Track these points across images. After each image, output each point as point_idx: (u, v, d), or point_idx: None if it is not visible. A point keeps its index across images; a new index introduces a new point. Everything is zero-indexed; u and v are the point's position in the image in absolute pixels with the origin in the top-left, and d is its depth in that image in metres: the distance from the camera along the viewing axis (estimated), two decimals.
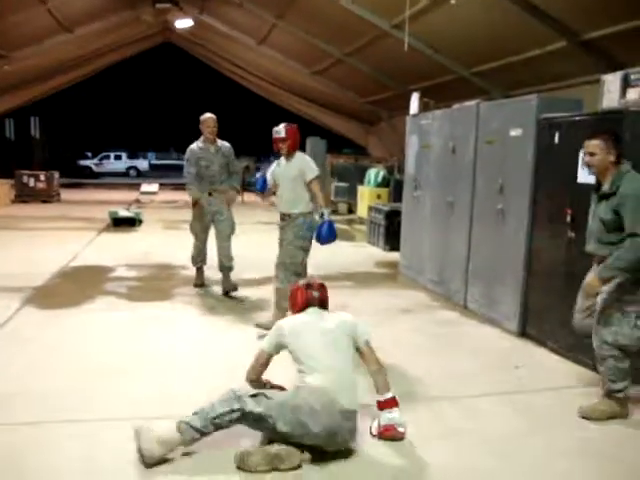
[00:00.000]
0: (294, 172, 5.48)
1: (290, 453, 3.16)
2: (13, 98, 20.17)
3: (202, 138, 6.95)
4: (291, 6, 12.70)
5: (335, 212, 15.98)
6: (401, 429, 3.52)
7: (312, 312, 3.71)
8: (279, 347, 3.61)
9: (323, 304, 3.80)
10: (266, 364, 3.67)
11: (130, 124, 43.26)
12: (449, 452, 3.40)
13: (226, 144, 7.08)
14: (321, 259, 9.18)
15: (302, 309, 3.75)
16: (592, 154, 3.87)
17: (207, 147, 6.91)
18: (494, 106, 6.36)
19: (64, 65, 19.22)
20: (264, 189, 5.74)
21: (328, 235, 5.34)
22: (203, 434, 3.20)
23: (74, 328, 5.52)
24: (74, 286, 7.22)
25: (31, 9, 13.34)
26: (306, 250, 5.53)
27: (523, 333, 5.59)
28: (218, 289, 7.09)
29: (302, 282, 3.91)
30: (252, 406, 3.19)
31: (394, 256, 9.26)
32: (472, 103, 6.66)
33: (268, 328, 5.37)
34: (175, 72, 37.45)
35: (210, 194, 6.92)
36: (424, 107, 7.81)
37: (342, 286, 7.57)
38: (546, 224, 5.33)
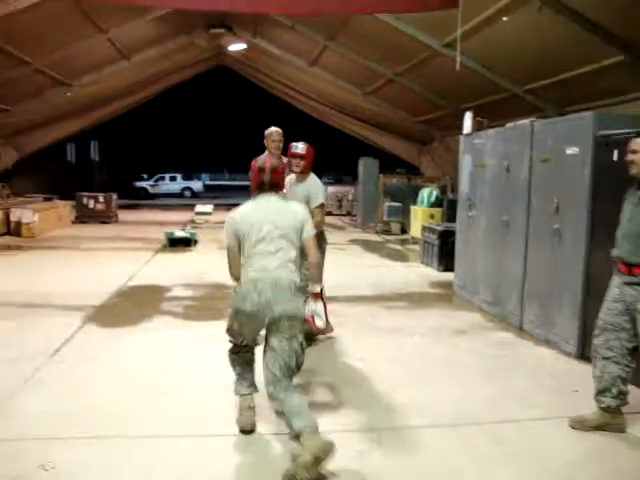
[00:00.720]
0: (304, 193, 5.44)
1: (321, 447, 3.20)
2: (74, 123, 20.96)
3: (266, 153, 6.39)
4: (342, 28, 12.83)
5: (387, 232, 15.95)
6: (319, 322, 3.83)
7: (264, 200, 3.84)
8: (236, 236, 3.84)
9: (274, 187, 3.86)
10: (238, 257, 3.90)
11: (185, 146, 44.29)
12: (512, 477, 3.35)
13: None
14: (375, 279, 9.26)
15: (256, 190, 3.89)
16: (635, 152, 3.78)
17: None
18: (549, 124, 6.28)
19: (122, 91, 19.89)
20: None
21: None
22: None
23: (133, 346, 5.67)
24: (132, 305, 7.42)
25: (92, 39, 13.92)
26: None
27: (581, 355, 5.44)
28: None
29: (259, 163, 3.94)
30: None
31: (448, 276, 9.18)
32: (526, 121, 6.59)
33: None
34: (228, 94, 38.19)
35: None
36: (478, 126, 7.77)
37: (396, 306, 7.55)
38: (605, 244, 5.17)
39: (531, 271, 6.29)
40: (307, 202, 5.29)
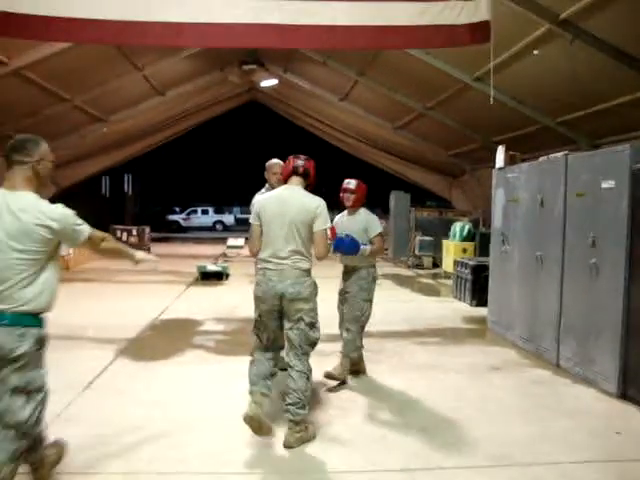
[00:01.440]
0: (359, 226, 5.70)
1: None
2: (109, 157, 21.38)
3: (267, 186, 6.17)
4: (373, 63, 12.95)
5: (419, 266, 15.84)
6: None
7: (286, 190, 4.45)
8: (259, 217, 4.38)
9: (304, 174, 4.51)
10: (260, 235, 4.37)
11: (217, 179, 44.84)
12: None
13: None
14: (408, 314, 9.16)
15: (287, 177, 4.53)
16: None
17: None
18: (583, 157, 6.21)
19: (156, 125, 20.29)
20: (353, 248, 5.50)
21: (347, 247, 5.46)
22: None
23: (165, 381, 5.67)
24: (165, 339, 7.44)
25: (128, 76, 14.28)
26: (371, 301, 5.72)
27: (623, 395, 5.26)
28: None
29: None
30: None
31: (481, 311, 9.04)
32: (560, 155, 6.53)
33: (337, 378, 5.50)
34: (260, 129, 38.70)
35: None
36: (510, 160, 7.72)
37: (430, 342, 7.44)
38: None
39: (567, 307, 6.16)
40: (364, 233, 5.67)
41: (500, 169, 7.92)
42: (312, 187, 4.98)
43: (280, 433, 4.26)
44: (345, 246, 5.44)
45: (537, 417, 4.86)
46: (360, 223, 5.73)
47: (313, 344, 4.36)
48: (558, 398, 5.38)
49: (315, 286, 4.36)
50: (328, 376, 5.56)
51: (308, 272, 4.33)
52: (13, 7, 5.98)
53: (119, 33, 6.28)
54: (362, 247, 5.50)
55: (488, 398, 5.32)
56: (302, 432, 4.21)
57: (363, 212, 5.83)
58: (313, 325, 4.31)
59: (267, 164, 6.28)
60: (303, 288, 4.23)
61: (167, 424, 4.53)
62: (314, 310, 4.35)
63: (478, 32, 6.33)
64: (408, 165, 20.36)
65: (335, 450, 4.13)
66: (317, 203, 4.36)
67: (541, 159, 6.97)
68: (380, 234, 5.77)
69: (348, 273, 5.78)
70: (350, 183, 5.83)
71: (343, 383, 5.58)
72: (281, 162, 6.04)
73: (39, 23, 6.06)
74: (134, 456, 3.96)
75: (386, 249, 19.58)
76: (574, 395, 5.47)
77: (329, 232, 4.69)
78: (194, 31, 6.29)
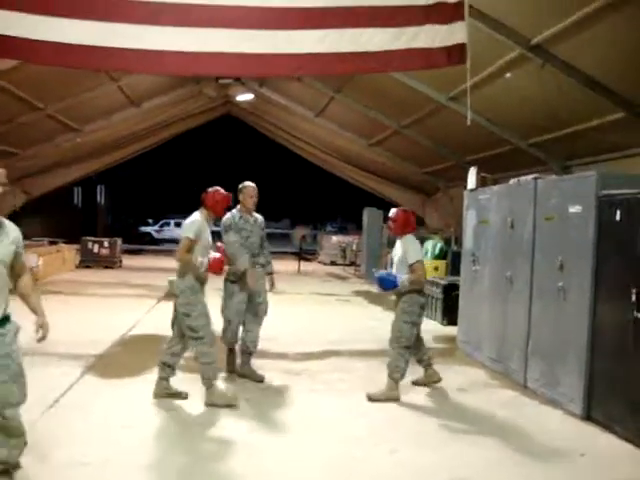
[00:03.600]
0: (400, 253, 6.02)
1: None
2: (82, 168, 21.16)
3: (239, 207, 6.52)
4: (349, 80, 13.04)
5: None
6: None
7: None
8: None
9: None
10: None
11: (190, 192, 44.59)
12: None
13: (260, 217, 6.72)
14: (379, 333, 9.12)
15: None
16: None
17: (246, 217, 6.50)
18: (552, 182, 6.33)
19: (130, 137, 20.17)
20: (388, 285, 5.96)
21: (382, 283, 5.97)
22: None
23: (132, 400, 5.58)
24: (133, 355, 7.35)
25: (104, 86, 14.20)
26: (414, 324, 5.87)
27: (588, 417, 5.34)
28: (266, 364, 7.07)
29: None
30: None
31: (452, 330, 9.10)
32: (529, 178, 6.64)
33: (379, 400, 5.70)
34: (234, 142, 38.71)
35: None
36: (482, 182, 7.83)
37: None
38: (610, 303, 5.18)
39: (535, 328, 6.24)
40: (404, 259, 5.93)
41: (472, 190, 8.03)
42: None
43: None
44: (381, 283, 5.98)
45: (502, 439, 4.89)
46: (401, 250, 6.02)
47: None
48: (524, 419, 5.42)
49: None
50: (371, 398, 5.78)
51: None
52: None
53: (101, 59, 6.33)
54: (399, 279, 5.81)
55: (456, 418, 5.35)
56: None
57: (406, 239, 6.02)
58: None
59: (241, 186, 6.49)
60: None
61: (133, 447, 4.47)
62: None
63: (454, 54, 6.42)
64: (382, 182, 20.49)
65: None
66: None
67: (512, 182, 7.07)
68: (419, 261, 5.93)
69: (397, 298, 6.05)
70: (391, 212, 6.21)
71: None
72: (255, 186, 6.52)
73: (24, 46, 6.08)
74: (104, 477, 3.90)
75: (358, 265, 19.65)
76: (540, 417, 5.53)
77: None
78: (175, 59, 6.32)
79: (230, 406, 5.41)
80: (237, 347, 6.64)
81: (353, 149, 18.48)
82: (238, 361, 6.60)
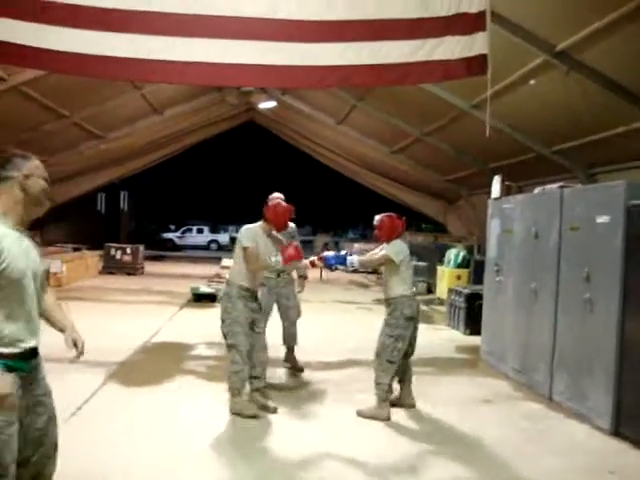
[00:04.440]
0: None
1: None
2: (106, 174, 21.43)
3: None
4: (371, 88, 13.00)
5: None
6: None
7: None
8: None
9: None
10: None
11: (212, 198, 44.88)
12: None
13: (292, 224, 6.93)
14: None
15: None
16: None
17: None
18: (578, 192, 6.21)
19: (153, 144, 20.34)
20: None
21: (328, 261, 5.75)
22: None
23: (154, 408, 5.58)
24: (155, 363, 7.36)
25: (127, 94, 14.36)
26: (399, 337, 5.52)
27: (617, 432, 5.21)
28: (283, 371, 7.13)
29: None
30: None
31: (475, 340, 9.00)
32: (555, 187, 6.55)
33: (367, 417, 5.47)
34: (256, 149, 38.86)
35: (278, 275, 6.95)
36: (506, 191, 7.73)
37: (422, 372, 7.33)
38: (639, 315, 5.06)
39: (561, 340, 6.13)
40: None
41: (496, 199, 7.93)
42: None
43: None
44: (326, 261, 5.76)
45: (527, 453, 4.80)
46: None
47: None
48: (549, 433, 5.33)
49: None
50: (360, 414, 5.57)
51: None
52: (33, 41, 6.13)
53: (125, 70, 6.42)
54: (349, 258, 5.67)
55: (480, 432, 5.25)
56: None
57: (394, 242, 5.72)
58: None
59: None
60: None
61: (157, 452, 4.48)
62: None
63: (474, 66, 6.38)
64: (404, 189, 20.42)
65: None
66: None
67: (536, 190, 6.98)
68: (384, 256, 5.61)
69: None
70: (375, 218, 5.87)
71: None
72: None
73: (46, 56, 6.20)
74: None
75: (380, 273, 19.54)
76: (567, 431, 5.41)
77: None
78: (198, 70, 6.39)
79: (255, 417, 5.36)
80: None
81: (375, 156, 18.43)
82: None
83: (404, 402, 5.85)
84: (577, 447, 5.00)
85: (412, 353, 5.87)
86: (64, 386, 5.98)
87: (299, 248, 5.65)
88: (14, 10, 6.04)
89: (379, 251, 5.77)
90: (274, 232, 5.68)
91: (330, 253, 5.92)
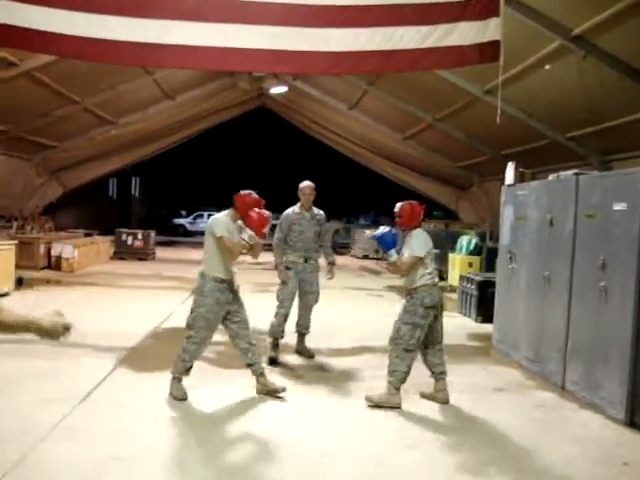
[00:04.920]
0: (404, 246, 5.68)
1: None
2: (117, 160, 21.45)
3: (299, 204, 7.14)
4: (383, 74, 12.91)
5: None
6: None
7: None
8: None
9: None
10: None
11: (224, 184, 44.79)
12: None
13: (321, 212, 7.23)
14: None
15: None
16: None
17: (302, 213, 7.07)
18: (595, 178, 6.10)
19: (165, 129, 20.32)
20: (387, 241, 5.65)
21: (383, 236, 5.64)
22: None
23: (164, 393, 5.54)
24: (166, 348, 7.31)
25: (139, 80, 14.32)
26: (416, 325, 5.45)
27: (631, 422, 5.13)
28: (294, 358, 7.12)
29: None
30: None
31: (486, 328, 8.94)
32: (570, 174, 6.45)
33: (378, 404, 5.41)
34: (268, 135, 38.72)
35: (306, 260, 7.03)
36: (520, 177, 7.62)
37: None
38: None
39: (575, 329, 6.04)
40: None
41: (509, 186, 7.83)
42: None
43: None
44: (382, 235, 5.62)
45: (540, 443, 4.74)
46: (406, 245, 5.63)
47: None
48: (562, 423, 5.27)
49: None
50: (368, 399, 5.51)
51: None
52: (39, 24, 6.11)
53: (138, 55, 6.44)
54: (392, 251, 5.55)
55: (492, 420, 5.21)
56: None
57: (413, 234, 5.63)
58: None
59: (299, 185, 7.08)
60: None
61: (167, 439, 4.46)
62: None
63: (487, 52, 6.30)
64: (416, 175, 20.32)
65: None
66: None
67: (551, 177, 6.87)
68: (413, 257, 5.49)
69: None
70: (396, 206, 5.78)
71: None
72: (312, 185, 7.04)
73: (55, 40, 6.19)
74: (138, 471, 3.91)
75: None
76: (580, 421, 5.35)
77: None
78: (210, 54, 6.37)
79: (178, 399, 5.36)
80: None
81: (387, 142, 18.33)
82: (273, 354, 6.94)
83: (436, 397, 5.67)
84: (591, 437, 4.94)
85: (440, 342, 5.79)
86: (75, 371, 6.07)
87: (261, 213, 5.48)
88: None
89: (406, 244, 5.63)
90: (239, 222, 5.59)
91: (389, 232, 5.65)
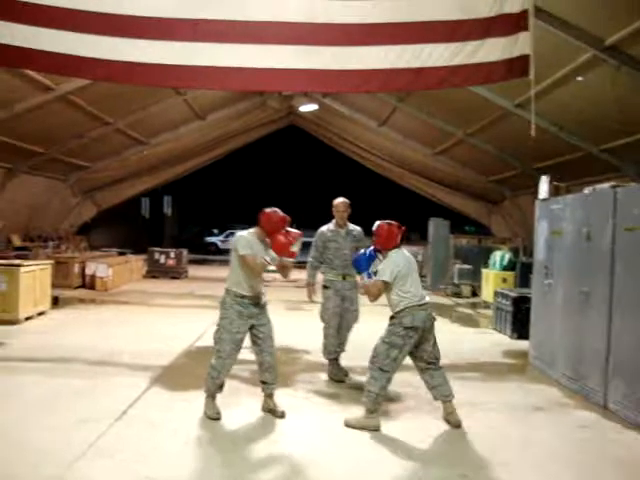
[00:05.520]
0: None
1: None
2: (149, 179, 21.78)
3: (333, 221, 7.08)
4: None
5: (458, 295, 15.51)
6: None
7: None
8: None
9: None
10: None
11: (255, 201, 45.05)
12: None
13: (357, 228, 7.15)
14: (446, 346, 8.88)
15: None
16: None
17: (337, 230, 7.00)
18: (634, 191, 5.96)
19: (196, 148, 20.56)
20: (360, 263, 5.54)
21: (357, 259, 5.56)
22: None
23: (198, 412, 5.54)
24: (199, 367, 7.29)
25: (170, 100, 14.55)
26: (393, 346, 5.26)
27: None
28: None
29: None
30: None
31: (522, 345, 8.78)
32: (606, 186, 6.32)
33: (354, 427, 5.25)
34: (298, 152, 38.91)
35: (344, 278, 6.94)
36: (554, 191, 7.50)
37: (469, 378, 7.21)
38: None
39: (616, 346, 5.87)
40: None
41: (543, 200, 7.70)
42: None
43: None
44: (356, 258, 5.59)
45: (585, 466, 4.60)
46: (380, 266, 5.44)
47: None
48: (607, 446, 5.09)
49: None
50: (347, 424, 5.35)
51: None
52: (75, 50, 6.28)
53: (169, 76, 6.54)
54: (364, 274, 5.44)
55: (530, 441, 5.08)
56: None
57: (388, 256, 5.44)
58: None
59: (333, 202, 7.03)
60: None
61: (203, 459, 4.45)
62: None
63: (516, 67, 6.24)
64: (447, 191, 20.19)
65: None
66: None
67: (586, 190, 6.75)
68: (382, 282, 5.29)
69: None
70: (375, 224, 5.62)
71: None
72: (346, 201, 7.01)
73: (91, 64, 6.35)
74: None
75: (424, 276, 19.29)
76: (625, 443, 5.16)
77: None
78: (241, 75, 6.44)
79: (212, 419, 5.38)
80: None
81: (417, 158, 18.27)
82: (336, 374, 6.96)
83: (449, 420, 5.41)
84: (637, 460, 4.76)
85: (434, 363, 5.51)
86: (110, 390, 6.10)
87: (289, 235, 5.46)
88: (57, 21, 6.20)
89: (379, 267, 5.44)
90: (267, 239, 5.54)
91: (363, 255, 5.54)
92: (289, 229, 5.54)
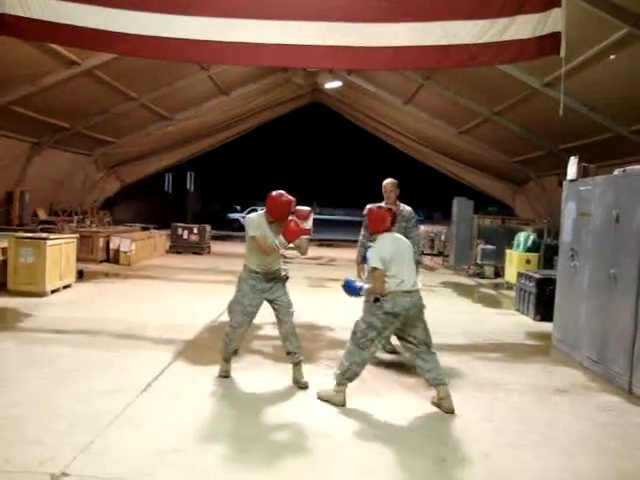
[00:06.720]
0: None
1: None
2: (173, 155, 21.86)
3: (383, 202, 6.91)
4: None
5: (480, 275, 15.41)
6: None
7: None
8: None
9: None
10: None
11: (278, 178, 45.11)
12: None
13: (408, 208, 7.04)
14: (468, 326, 8.90)
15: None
16: None
17: None
18: None
19: (219, 124, 20.57)
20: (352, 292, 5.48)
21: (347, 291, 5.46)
22: None
23: (221, 386, 5.63)
24: (221, 343, 7.41)
25: (194, 76, 14.53)
26: (372, 327, 5.17)
27: None
28: None
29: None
30: None
31: (545, 327, 8.72)
32: (638, 168, 6.21)
33: (324, 399, 5.34)
34: (322, 130, 38.80)
35: None
36: (583, 172, 7.38)
37: (492, 358, 7.20)
38: None
39: None
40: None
41: (572, 181, 7.59)
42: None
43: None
44: (346, 288, 5.46)
45: (608, 450, 4.57)
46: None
47: None
48: (632, 429, 5.05)
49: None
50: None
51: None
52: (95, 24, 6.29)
53: (200, 52, 6.60)
54: (364, 288, 5.31)
55: (554, 424, 5.06)
56: None
57: (378, 240, 5.36)
58: None
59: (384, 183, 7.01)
60: None
61: (224, 436, 4.50)
62: None
63: (547, 45, 6.13)
64: (471, 170, 20.02)
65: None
66: None
67: (617, 172, 6.63)
68: (375, 274, 5.16)
69: None
70: (366, 207, 5.82)
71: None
72: (394, 181, 6.96)
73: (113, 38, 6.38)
74: (198, 464, 3.95)
75: (447, 256, 19.22)
76: None
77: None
78: (270, 51, 6.43)
79: (222, 377, 5.88)
80: None
81: (442, 137, 18.10)
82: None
83: (441, 405, 5.26)
84: None
85: (422, 345, 5.34)
86: (135, 362, 6.19)
87: (298, 222, 5.53)
88: None
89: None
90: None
91: (349, 279, 5.49)
92: (299, 207, 5.68)
